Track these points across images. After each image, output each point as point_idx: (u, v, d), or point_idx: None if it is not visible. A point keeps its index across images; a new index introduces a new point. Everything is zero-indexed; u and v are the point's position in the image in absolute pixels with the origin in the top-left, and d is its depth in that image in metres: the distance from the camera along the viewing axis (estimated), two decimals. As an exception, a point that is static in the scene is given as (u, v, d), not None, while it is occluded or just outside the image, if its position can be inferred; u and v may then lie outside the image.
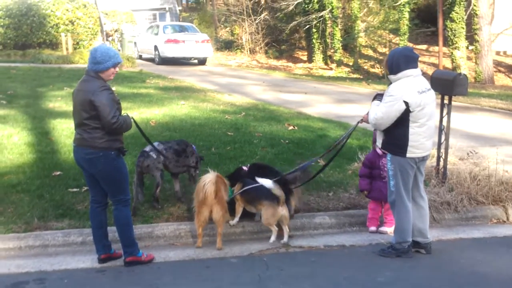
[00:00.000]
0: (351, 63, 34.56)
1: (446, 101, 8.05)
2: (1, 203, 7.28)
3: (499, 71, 30.98)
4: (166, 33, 28.04)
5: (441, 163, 8.35)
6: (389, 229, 7.14)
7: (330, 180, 8.45)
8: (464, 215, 7.81)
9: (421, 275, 5.95)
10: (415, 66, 6.27)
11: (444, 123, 8.13)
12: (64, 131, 10.58)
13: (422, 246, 6.54)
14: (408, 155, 6.22)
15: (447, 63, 31.87)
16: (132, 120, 6.09)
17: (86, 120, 5.71)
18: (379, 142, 6.60)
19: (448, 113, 8.03)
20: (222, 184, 6.66)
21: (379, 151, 7.11)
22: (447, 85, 7.77)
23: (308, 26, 33.50)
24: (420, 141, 6.20)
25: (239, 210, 6.99)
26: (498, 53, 33.11)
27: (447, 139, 8.16)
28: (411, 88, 6.09)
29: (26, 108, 13.02)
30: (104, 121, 5.64)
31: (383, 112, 6.13)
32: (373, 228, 7.27)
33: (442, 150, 8.30)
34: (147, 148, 7.37)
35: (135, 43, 31.27)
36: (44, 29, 29.39)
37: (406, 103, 6.03)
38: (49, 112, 12.64)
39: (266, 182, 6.65)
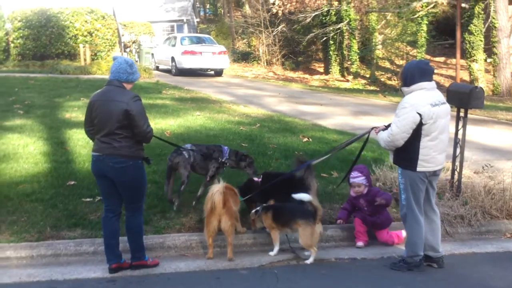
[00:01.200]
0: (367, 75, 34.52)
1: (462, 114, 7.99)
2: (15, 212, 7.33)
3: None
4: (183, 44, 28.17)
5: (456, 176, 8.28)
6: (362, 244, 7.18)
7: (343, 192, 8.40)
8: (477, 229, 7.75)
9: (433, 289, 5.90)
10: (430, 79, 6.25)
11: (460, 136, 8.07)
12: (80, 141, 10.64)
13: (434, 260, 6.48)
14: (418, 169, 6.19)
15: (465, 75, 31.66)
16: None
17: (118, 130, 5.86)
18: (390, 157, 6.59)
19: (464, 126, 7.98)
20: (231, 194, 6.68)
21: (352, 193, 7.39)
22: (463, 98, 7.73)
23: (325, 38, 33.52)
24: (431, 155, 6.16)
25: (276, 237, 6.74)
26: (516, 66, 32.83)
27: (462, 152, 8.11)
28: (424, 100, 6.07)
29: (42, 118, 13.12)
30: (139, 130, 5.87)
31: (398, 126, 6.09)
32: (360, 244, 7.24)
33: (457, 163, 8.24)
34: (185, 146, 7.77)
35: (152, 54, 31.46)
36: (63, 40, 29.70)
37: (420, 115, 6.01)
38: (65, 122, 12.72)
39: (304, 196, 6.57)
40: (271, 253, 6.70)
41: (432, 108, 6.07)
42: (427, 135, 6.10)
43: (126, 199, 6.15)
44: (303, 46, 37.46)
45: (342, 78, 34.32)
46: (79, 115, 13.79)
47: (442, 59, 37.12)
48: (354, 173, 7.31)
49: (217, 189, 6.49)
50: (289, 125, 13.96)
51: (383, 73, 34.95)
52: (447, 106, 6.33)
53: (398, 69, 34.64)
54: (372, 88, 31.30)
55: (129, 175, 5.97)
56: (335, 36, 33.53)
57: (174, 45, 28.53)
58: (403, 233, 7.09)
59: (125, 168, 5.93)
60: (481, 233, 7.74)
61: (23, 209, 7.43)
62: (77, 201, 7.74)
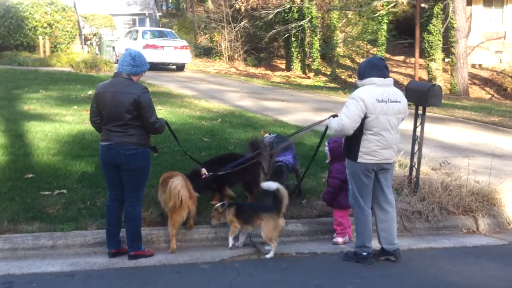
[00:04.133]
0: (328, 73, 34.74)
1: (420, 112, 8.12)
2: (-30, 206, 7.19)
3: (474, 83, 31.31)
4: (145, 38, 27.97)
5: (414, 172, 8.42)
6: (342, 239, 7.19)
7: (304, 187, 8.46)
8: (435, 224, 7.88)
9: (390, 284, 5.97)
10: (382, 75, 6.35)
11: (418, 133, 8.20)
12: (38, 134, 10.48)
13: (390, 253, 6.59)
14: (359, 160, 6.34)
15: (423, 74, 32.13)
16: (165, 123, 6.60)
17: (130, 121, 6.07)
18: None
19: (422, 124, 8.11)
20: (187, 182, 6.81)
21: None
22: (421, 95, 7.85)
23: (287, 35, 33.62)
24: (372, 148, 6.28)
25: (234, 231, 6.74)
26: (473, 66, 33.47)
27: (420, 149, 8.24)
28: (371, 95, 6.20)
29: (0, 110, 12.87)
30: (147, 122, 6.10)
31: (347, 115, 6.20)
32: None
33: (415, 160, 8.37)
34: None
35: (113, 47, 31.12)
36: (22, 32, 29.06)
37: (365, 105, 6.13)
38: (23, 115, 12.51)
39: (271, 185, 6.65)
40: (229, 246, 6.74)
41: (377, 103, 6.19)
42: (368, 129, 6.24)
43: (129, 188, 6.29)
44: (265, 43, 37.52)
45: (303, 75, 34.49)
46: (38, 107, 13.65)
47: (401, 58, 37.56)
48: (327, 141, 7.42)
49: (180, 184, 6.55)
50: (250, 120, 13.99)
51: (343, 70, 35.21)
52: (399, 105, 6.38)
53: (357, 67, 34.94)
54: (333, 85, 31.51)
55: (139, 163, 6.18)
56: (297, 33, 33.68)
57: (135, 39, 28.30)
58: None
59: (136, 155, 6.14)
60: (439, 229, 7.88)
61: (-22, 202, 7.29)
62: (35, 195, 7.61)
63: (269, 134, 8.19)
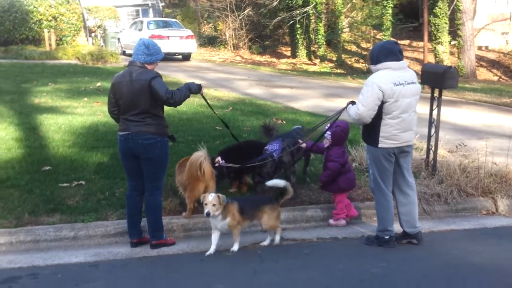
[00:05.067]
0: (334, 59, 34.57)
1: (436, 94, 8.08)
2: (-10, 199, 7.20)
3: (481, 65, 31.17)
4: (150, 29, 27.91)
5: (431, 155, 8.39)
6: (334, 222, 7.25)
7: (319, 173, 8.43)
8: (454, 207, 7.87)
9: (414, 267, 5.97)
10: (397, 59, 6.28)
11: (434, 116, 8.16)
12: (52, 126, 10.48)
13: (412, 236, 6.58)
14: (380, 145, 6.30)
15: (430, 58, 31.99)
16: (198, 86, 6.62)
17: (146, 109, 6.06)
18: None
19: (439, 106, 8.08)
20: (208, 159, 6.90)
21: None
22: (437, 78, 7.82)
23: (292, 21, 33.46)
24: (392, 132, 6.25)
25: (239, 230, 6.34)
26: (480, 48, 33.31)
27: (437, 132, 8.21)
28: (387, 79, 6.14)
29: (11, 104, 12.86)
30: (162, 100, 6.06)
31: (364, 104, 6.17)
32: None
33: (432, 143, 8.34)
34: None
35: (118, 38, 31.05)
36: (27, 25, 29.04)
37: (382, 92, 6.08)
38: (35, 108, 12.51)
39: (278, 183, 6.54)
40: (233, 249, 6.28)
41: (395, 87, 6.13)
42: (387, 113, 6.19)
43: (148, 178, 6.29)
44: (270, 30, 37.36)
45: (309, 62, 34.33)
46: (48, 100, 13.63)
47: (407, 42, 37.40)
48: (328, 125, 7.36)
49: (203, 156, 6.70)
50: (261, 108, 13.96)
51: (349, 56, 35.05)
52: (416, 86, 6.36)
53: (364, 52, 34.83)
54: (339, 71, 31.38)
55: (157, 152, 6.16)
56: (302, 20, 33.48)
57: (140, 30, 28.24)
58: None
59: (153, 144, 6.11)
60: (458, 211, 7.86)
61: (-2, 196, 7.30)
62: (54, 186, 7.62)
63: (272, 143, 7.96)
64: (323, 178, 7.24)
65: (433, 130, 8.28)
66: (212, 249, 6.18)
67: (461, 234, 7.10)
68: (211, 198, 6.03)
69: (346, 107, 6.83)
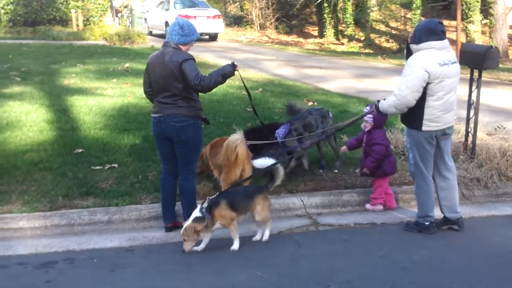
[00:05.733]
0: (362, 38, 34.12)
1: (476, 75, 7.84)
2: (24, 182, 7.16)
3: (513, 45, 30.55)
4: (177, 8, 27.74)
5: (470, 138, 8.17)
6: (371, 207, 7.06)
7: (355, 156, 8.26)
8: (494, 191, 7.65)
9: (457, 254, 5.80)
10: (439, 39, 6.05)
11: (474, 98, 7.93)
12: (82, 108, 10.45)
13: (453, 221, 6.40)
14: (424, 128, 6.09)
15: (461, 37, 31.40)
16: (232, 68, 6.13)
17: (178, 91, 5.91)
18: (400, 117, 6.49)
19: (478, 88, 7.83)
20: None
21: (362, 125, 7.17)
22: (478, 58, 7.57)
23: (319, 1, 33.05)
24: (436, 114, 6.03)
25: (235, 227, 5.86)
26: (511, 27, 32.62)
27: (476, 114, 7.97)
28: (431, 59, 5.92)
29: (41, 85, 12.87)
30: (190, 85, 5.84)
31: (408, 86, 5.92)
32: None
33: (471, 126, 8.11)
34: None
35: (145, 19, 30.98)
36: (54, 6, 29.06)
37: (427, 73, 5.87)
38: (64, 89, 12.49)
39: (265, 162, 6.10)
40: (234, 248, 5.83)
41: (440, 67, 5.92)
42: (432, 94, 5.97)
43: (181, 161, 6.19)
44: (297, 10, 36.93)
45: (336, 41, 33.91)
46: (77, 82, 13.62)
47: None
48: (367, 107, 7.09)
49: (239, 139, 6.61)
50: (291, 89, 13.78)
51: (378, 35, 34.54)
52: (457, 66, 6.17)
53: (394, 32, 34.34)
54: (367, 51, 30.95)
55: (189, 134, 6.03)
56: (329, -1, 33.11)
57: (167, 10, 28.10)
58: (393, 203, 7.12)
59: (186, 127, 5.99)
60: (498, 196, 7.64)
61: (32, 178, 7.26)
62: (87, 169, 7.58)
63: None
64: (370, 164, 6.97)
65: (471, 113, 8.03)
66: (200, 247, 5.82)
67: (503, 220, 6.90)
68: (182, 234, 5.67)
69: (372, 110, 6.63)
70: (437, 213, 6.43)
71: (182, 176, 6.24)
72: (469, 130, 8.16)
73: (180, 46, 6.02)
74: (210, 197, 5.89)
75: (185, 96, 5.95)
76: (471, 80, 7.93)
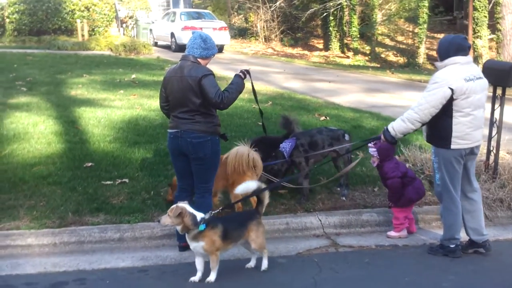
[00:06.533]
0: (368, 52, 33.98)
1: (499, 93, 7.60)
2: (32, 196, 6.93)
3: (521, 60, 30.38)
4: (183, 20, 27.59)
5: (492, 157, 7.92)
6: (397, 234, 6.65)
7: (374, 174, 8.02)
8: (517, 213, 7.40)
9: (487, 280, 5.54)
10: (464, 55, 5.87)
11: (497, 115, 7.69)
12: (91, 120, 10.22)
13: (480, 245, 6.14)
14: (453, 146, 5.83)
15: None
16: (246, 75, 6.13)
17: (196, 107, 5.70)
18: (424, 135, 6.23)
19: (501, 105, 7.59)
20: None
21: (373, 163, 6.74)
22: (502, 75, 7.33)
23: (325, 13, 32.92)
24: (465, 131, 5.80)
25: (217, 258, 5.35)
26: (519, 42, 32.46)
27: (499, 133, 7.73)
28: (457, 75, 5.72)
29: (48, 96, 12.65)
30: (210, 101, 5.64)
31: (428, 100, 5.74)
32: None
33: (493, 144, 7.87)
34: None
35: (150, 30, 30.85)
36: (59, 15, 28.92)
37: (451, 90, 5.65)
38: (72, 100, 12.27)
39: (249, 186, 5.66)
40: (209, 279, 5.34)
41: (466, 83, 5.70)
42: (459, 111, 5.74)
43: (198, 178, 5.95)
44: (302, 22, 36.79)
45: (342, 55, 33.75)
46: (85, 92, 13.41)
47: (441, 35, 36.66)
48: (371, 145, 6.73)
49: (247, 148, 6.49)
50: (301, 102, 13.57)
51: (384, 49, 34.42)
52: (484, 81, 5.95)
53: (399, 46, 34.20)
54: (373, 64, 30.77)
55: (206, 151, 5.80)
56: (335, 12, 32.95)
57: (173, 21, 27.96)
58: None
59: (203, 143, 5.77)
60: (521, 217, 7.39)
61: (40, 193, 7.03)
62: (97, 184, 7.34)
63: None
64: (390, 198, 6.71)
65: (494, 131, 7.79)
66: (197, 277, 5.37)
67: (529, 244, 6.64)
68: (170, 208, 5.29)
69: (380, 136, 6.35)
70: (462, 236, 6.17)
71: (198, 194, 6.00)
72: (491, 148, 7.91)
73: (200, 60, 5.82)
74: (213, 212, 5.52)
75: (202, 111, 5.73)
76: (493, 97, 7.69)
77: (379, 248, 6.35)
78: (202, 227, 5.20)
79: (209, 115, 5.80)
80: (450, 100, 5.71)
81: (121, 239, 6.23)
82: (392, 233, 6.67)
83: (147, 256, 5.96)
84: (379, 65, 29.85)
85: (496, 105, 7.69)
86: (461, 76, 5.72)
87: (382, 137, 6.24)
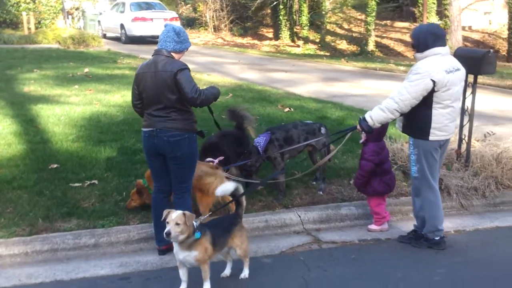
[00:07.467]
0: (317, 40, 34.03)
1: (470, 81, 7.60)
2: (-3, 202, 6.55)
3: (466, 46, 30.90)
4: (132, 11, 27.02)
5: (463, 146, 7.93)
6: (378, 227, 6.58)
7: (347, 166, 7.95)
8: (492, 200, 7.43)
9: (477, 271, 5.49)
10: (443, 44, 5.80)
11: (468, 104, 7.70)
12: (50, 118, 9.82)
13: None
14: (431, 138, 5.79)
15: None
16: (216, 92, 5.72)
17: (172, 103, 5.42)
18: (398, 125, 6.13)
19: (473, 94, 7.61)
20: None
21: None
22: (474, 63, 7.29)
23: (275, 3, 32.80)
24: (444, 123, 5.76)
25: (208, 269, 4.98)
26: (463, 28, 33.03)
27: (471, 121, 7.75)
28: (439, 67, 5.64)
29: (0, 93, 12.13)
30: (187, 98, 5.36)
31: (409, 91, 5.64)
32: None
33: (465, 133, 7.88)
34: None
35: (99, 21, 30.14)
36: (4, 8, 27.96)
37: (433, 82, 5.58)
38: (26, 97, 11.80)
39: (227, 188, 5.25)
40: None
41: (447, 75, 5.64)
42: (439, 102, 5.69)
43: (176, 178, 5.68)
44: (252, 12, 36.61)
45: (292, 44, 33.72)
46: (38, 89, 12.97)
47: (388, 22, 37.02)
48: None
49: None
50: (262, 94, 13.42)
51: (333, 38, 34.53)
52: (462, 72, 5.90)
53: (348, 34, 34.38)
54: (323, 53, 30.82)
55: (184, 150, 5.52)
56: (285, 1, 32.88)
57: (123, 12, 27.37)
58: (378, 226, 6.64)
59: (180, 141, 5.48)
60: (496, 205, 7.41)
61: (6, 199, 6.65)
62: (65, 187, 7.00)
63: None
64: (356, 180, 6.61)
65: (466, 119, 7.79)
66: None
67: (509, 232, 6.64)
68: (174, 216, 4.77)
69: (355, 126, 6.24)
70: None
71: (177, 195, 5.75)
72: (463, 137, 7.92)
73: (174, 54, 5.54)
74: (202, 217, 5.22)
75: (178, 108, 5.45)
76: (465, 86, 7.68)
77: (363, 243, 6.24)
78: (198, 235, 4.88)
79: (186, 112, 5.52)
80: (431, 92, 5.64)
81: (96, 245, 5.93)
82: (373, 227, 6.59)
83: (126, 262, 5.69)
84: (329, 54, 29.92)
85: (468, 93, 7.69)
86: (442, 68, 5.64)
87: (358, 126, 6.12)
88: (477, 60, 7.30)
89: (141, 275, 5.43)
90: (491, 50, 7.57)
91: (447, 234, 6.40)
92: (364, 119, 5.99)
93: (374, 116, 5.91)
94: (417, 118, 5.81)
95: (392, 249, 6.06)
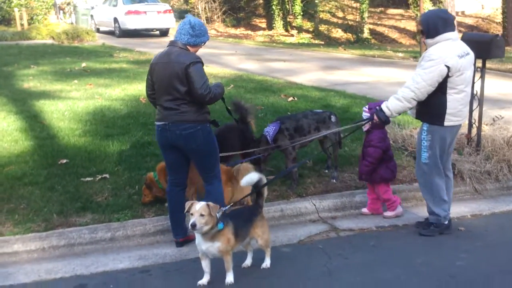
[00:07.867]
0: (311, 29, 33.94)
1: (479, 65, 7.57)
2: (10, 199, 6.48)
3: (460, 31, 30.91)
4: (125, 4, 26.83)
5: (474, 130, 7.92)
6: (393, 213, 6.55)
7: (357, 154, 7.89)
8: (505, 184, 7.45)
9: (500, 256, 5.47)
10: (453, 29, 5.77)
11: (478, 88, 7.67)
12: (54, 114, 9.73)
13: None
14: (446, 123, 5.75)
15: (410, 26, 31.67)
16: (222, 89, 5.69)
17: (183, 94, 5.33)
18: (412, 112, 6.08)
19: (482, 78, 7.59)
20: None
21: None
22: (483, 47, 7.27)
23: (268, -8, 32.71)
24: (458, 108, 5.73)
25: (231, 260, 4.96)
26: (456, 13, 33.03)
27: (481, 105, 7.74)
28: (452, 52, 5.60)
29: (0, 90, 12.02)
30: (196, 94, 5.28)
31: (425, 79, 5.60)
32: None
33: (474, 117, 7.86)
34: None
35: (91, 15, 29.94)
36: (-5, 4, 27.82)
37: (448, 67, 5.54)
38: (27, 93, 11.70)
39: (252, 178, 5.21)
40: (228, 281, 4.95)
41: (460, 59, 5.61)
42: (453, 88, 5.66)
43: (200, 169, 5.65)
44: (244, 2, 36.48)
45: (286, 33, 33.62)
46: (38, 84, 12.87)
47: (380, 9, 36.96)
48: (365, 108, 6.57)
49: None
50: (263, 84, 13.35)
51: (326, 26, 34.44)
52: (472, 56, 5.87)
53: (342, 22, 34.31)
54: (317, 41, 30.81)
55: (199, 141, 5.44)
56: (279, -10, 32.82)
57: (115, 5, 27.18)
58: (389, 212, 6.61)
59: (194, 134, 5.41)
60: (509, 188, 7.41)
61: (18, 195, 6.58)
62: (77, 182, 6.94)
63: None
64: (364, 168, 6.52)
65: (475, 104, 7.77)
66: (205, 279, 5.00)
67: (526, 215, 6.66)
68: (198, 207, 4.70)
69: (372, 117, 6.16)
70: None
71: (206, 183, 5.68)
72: (473, 121, 7.90)
73: (189, 47, 5.45)
74: (224, 208, 5.11)
75: (189, 100, 5.35)
76: (474, 70, 7.64)
77: (380, 229, 6.23)
78: (221, 226, 4.82)
79: (196, 103, 5.41)
80: (446, 78, 5.61)
81: (112, 238, 5.90)
82: (388, 213, 6.57)
83: (144, 255, 5.65)
84: (323, 42, 29.86)
85: (476, 78, 7.65)
86: (455, 53, 5.62)
87: (376, 117, 6.08)
88: (486, 44, 7.28)
89: (160, 267, 5.39)
90: (499, 34, 7.55)
91: (464, 218, 6.43)
92: (381, 109, 5.95)
93: (392, 106, 5.87)
94: (432, 104, 5.77)
95: (410, 235, 6.04)
